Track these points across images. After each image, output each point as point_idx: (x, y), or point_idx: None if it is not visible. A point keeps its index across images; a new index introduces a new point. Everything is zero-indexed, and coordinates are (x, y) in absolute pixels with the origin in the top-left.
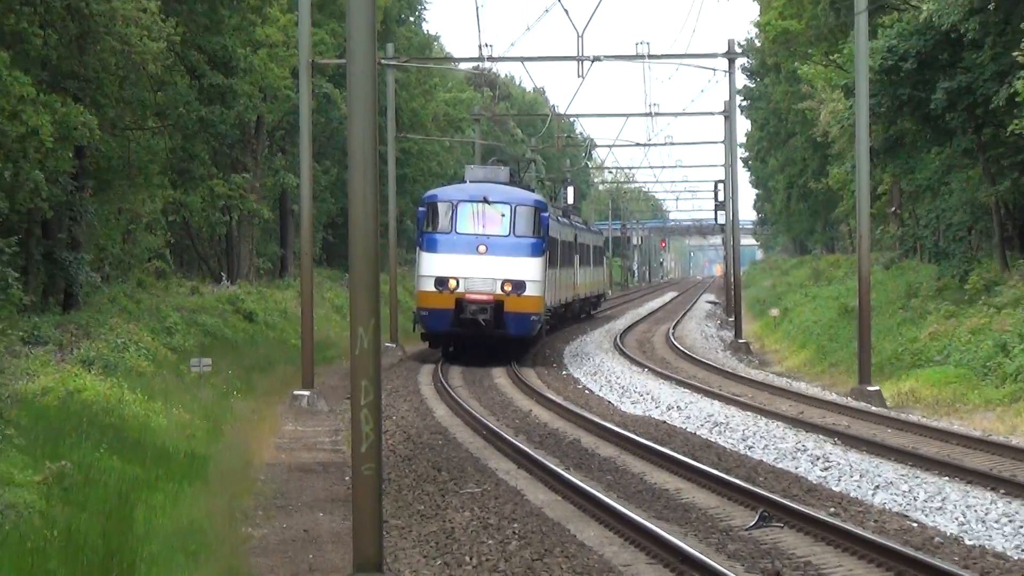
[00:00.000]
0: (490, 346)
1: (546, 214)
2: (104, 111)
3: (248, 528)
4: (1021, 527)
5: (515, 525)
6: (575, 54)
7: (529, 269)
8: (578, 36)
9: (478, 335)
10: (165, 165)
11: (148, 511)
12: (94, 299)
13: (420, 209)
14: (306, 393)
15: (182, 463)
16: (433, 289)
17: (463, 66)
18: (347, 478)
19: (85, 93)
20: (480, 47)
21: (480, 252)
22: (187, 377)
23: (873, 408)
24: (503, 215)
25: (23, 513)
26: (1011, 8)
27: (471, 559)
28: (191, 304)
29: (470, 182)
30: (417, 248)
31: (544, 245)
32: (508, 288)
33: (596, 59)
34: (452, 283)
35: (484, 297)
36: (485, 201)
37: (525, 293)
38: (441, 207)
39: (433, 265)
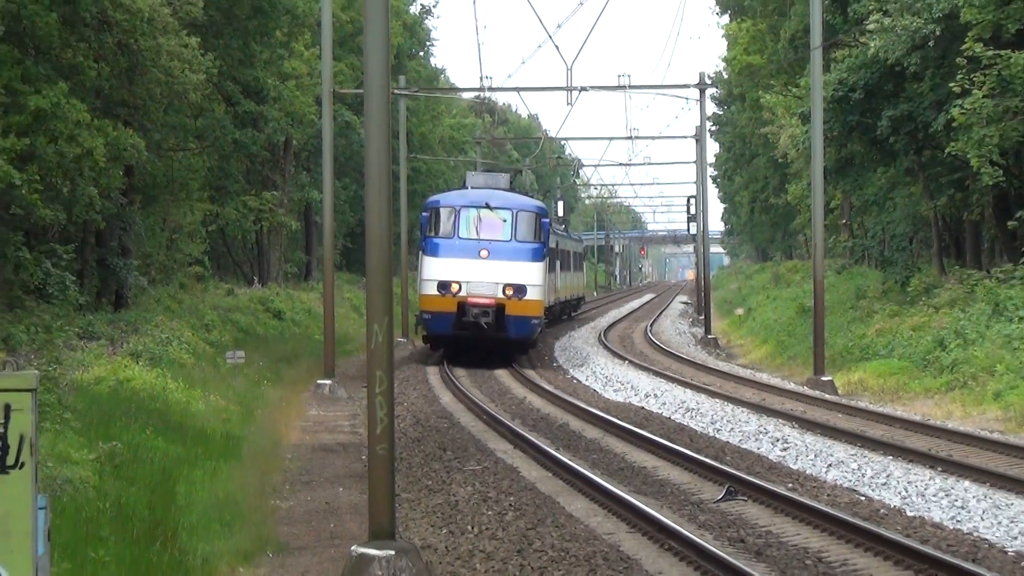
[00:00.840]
0: (491, 348)
1: (547, 220)
2: (150, 134)
3: (276, 501)
4: (956, 500)
5: (511, 498)
6: (565, 85)
7: (530, 273)
8: (567, 69)
9: (480, 338)
10: (204, 182)
11: (188, 486)
12: (141, 300)
13: (423, 214)
14: (328, 382)
15: (218, 443)
16: (436, 293)
17: (466, 95)
18: (363, 457)
19: (134, 118)
20: (481, 79)
21: (482, 256)
22: (223, 368)
23: (826, 396)
24: (504, 220)
25: (79, 487)
26: (947, 45)
27: (472, 528)
28: (227, 304)
29: (471, 188)
30: (420, 252)
31: (545, 250)
32: (509, 292)
33: (583, 89)
34: (454, 287)
35: (486, 301)
36: (487, 207)
37: (526, 297)
38: (444, 212)
39: (436, 269)
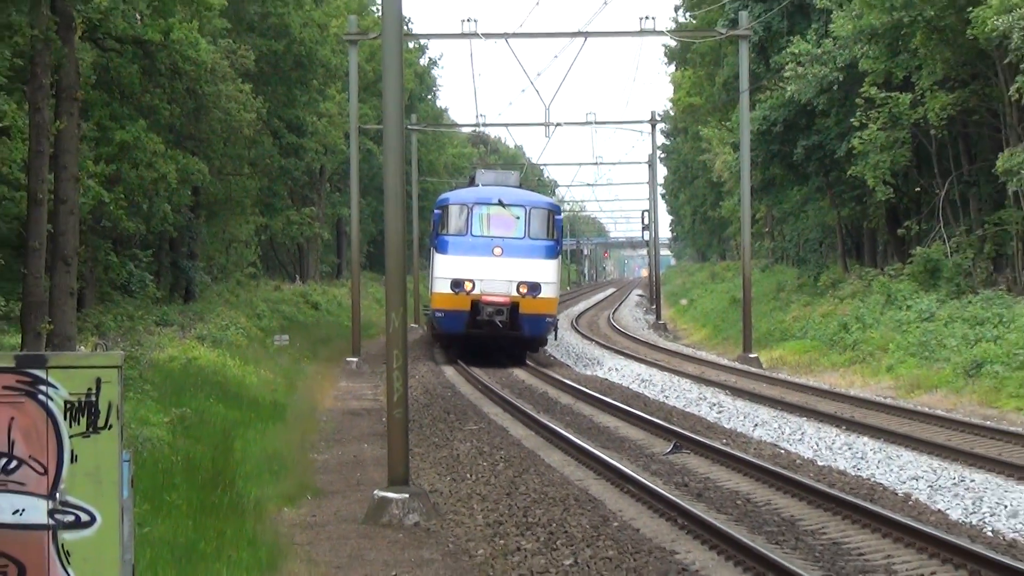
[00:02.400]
0: (503, 347)
1: (560, 217)
2: (212, 162)
3: (314, 455)
4: (857, 453)
5: (502, 452)
6: (543, 121)
7: (545, 271)
8: (546, 108)
9: (493, 336)
10: (255, 200)
11: (243, 443)
12: (205, 294)
13: (435, 212)
14: (355, 359)
15: (267, 409)
16: (449, 291)
17: (465, 130)
18: (383, 419)
19: (199, 149)
20: (476, 116)
21: (495, 254)
22: (271, 348)
23: (753, 369)
24: (518, 217)
25: (156, 444)
26: (849, 88)
27: (471, 476)
28: (274, 297)
29: (482, 185)
30: (431, 250)
31: (558, 247)
32: (524, 290)
33: (558, 124)
34: (468, 285)
35: (500, 299)
36: (500, 204)
37: (541, 295)
38: (456, 210)
39: (449, 267)
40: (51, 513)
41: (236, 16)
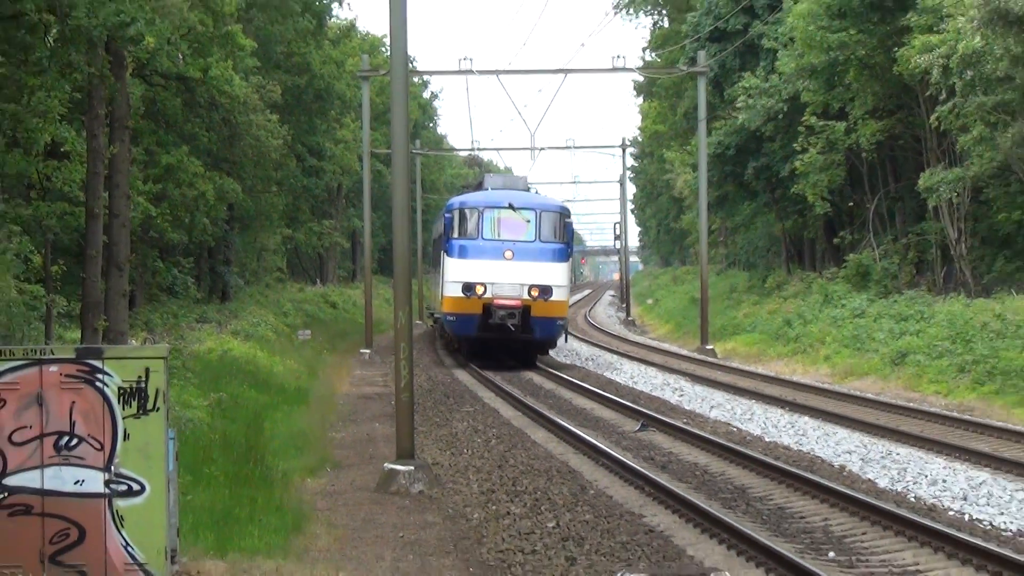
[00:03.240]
0: (514, 350)
1: (570, 220)
2: (244, 181)
3: (332, 433)
4: (799, 430)
5: (493, 430)
6: (529, 146)
7: (556, 274)
8: (531, 134)
9: (505, 340)
10: (282, 214)
11: (272, 423)
12: (239, 295)
13: (446, 215)
14: (367, 351)
15: (292, 394)
16: (460, 294)
17: (461, 153)
18: (392, 402)
19: (233, 170)
20: (472, 141)
21: (507, 258)
22: (295, 342)
23: (709, 359)
24: (528, 221)
25: (197, 424)
26: (792, 117)
27: (467, 450)
28: (298, 297)
29: (491, 189)
30: (441, 254)
31: (569, 250)
32: (535, 293)
33: (542, 149)
34: (479, 288)
35: (513, 302)
36: (511, 207)
37: (552, 298)
38: (466, 213)
39: (460, 271)
40: (107, 483)
41: (264, 55)
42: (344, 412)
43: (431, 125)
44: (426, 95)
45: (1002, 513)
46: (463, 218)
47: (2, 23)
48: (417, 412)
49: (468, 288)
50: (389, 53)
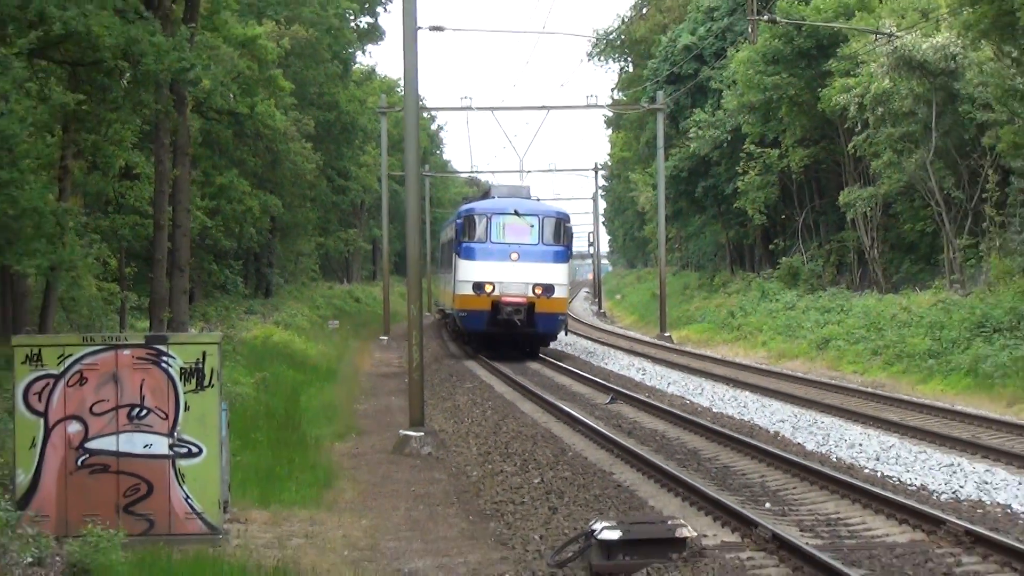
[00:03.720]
0: (519, 343)
1: (570, 225)
2: (284, 198)
3: (356, 405)
4: (741, 402)
5: (489, 403)
6: (518, 169)
7: (557, 274)
8: (520, 159)
9: (511, 333)
10: (315, 225)
11: (307, 396)
12: (280, 292)
13: (458, 221)
14: (385, 338)
15: (323, 372)
16: (471, 293)
17: (463, 175)
18: (406, 380)
19: (275, 189)
20: (471, 165)
21: (513, 259)
22: (326, 330)
23: (667, 344)
24: (532, 226)
25: (245, 398)
26: (735, 145)
27: (467, 420)
28: (328, 294)
29: (497, 197)
30: (454, 256)
31: (568, 252)
32: (539, 291)
33: (528, 171)
34: (488, 287)
35: (519, 300)
36: (516, 214)
37: (554, 295)
38: (476, 219)
39: (471, 271)
40: (171, 447)
41: (301, 95)
42: (366, 388)
43: (438, 152)
44: (433, 127)
45: (908, 471)
46: (473, 223)
47: (84, 68)
48: (426, 388)
49: (478, 287)
50: (403, 93)
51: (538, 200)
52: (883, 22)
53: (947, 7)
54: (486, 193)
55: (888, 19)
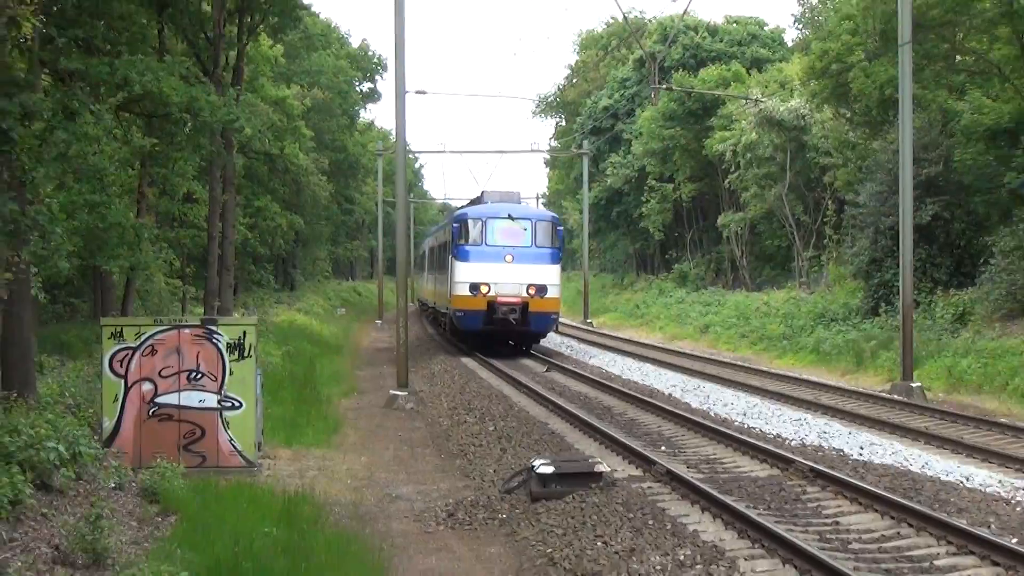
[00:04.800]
0: (513, 341)
1: (561, 228)
2: (305, 217)
3: (357, 371)
4: (643, 372)
5: (456, 371)
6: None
7: (550, 275)
8: (482, 191)
9: (507, 332)
10: (328, 237)
11: (320, 365)
12: (301, 287)
13: (454, 225)
14: (379, 321)
15: (333, 347)
16: (468, 293)
17: (438, 201)
18: (395, 353)
19: (298, 210)
20: (444, 194)
21: (507, 261)
22: (335, 315)
23: (590, 328)
24: (525, 229)
25: (274, 365)
26: (640, 180)
27: (440, 383)
28: (337, 288)
29: (490, 203)
30: (450, 259)
31: (560, 254)
32: (532, 291)
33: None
34: (484, 288)
35: (513, 300)
36: (510, 217)
37: (548, 295)
38: (473, 223)
39: (468, 273)
40: (219, 402)
41: (318, 140)
42: (365, 359)
43: (419, 183)
44: (416, 165)
45: (767, 424)
46: (469, 227)
47: (157, 119)
48: (410, 359)
49: (474, 288)
50: (395, 140)
51: (527, 205)
52: (751, 90)
53: (799, 80)
54: (478, 199)
55: (755, 88)
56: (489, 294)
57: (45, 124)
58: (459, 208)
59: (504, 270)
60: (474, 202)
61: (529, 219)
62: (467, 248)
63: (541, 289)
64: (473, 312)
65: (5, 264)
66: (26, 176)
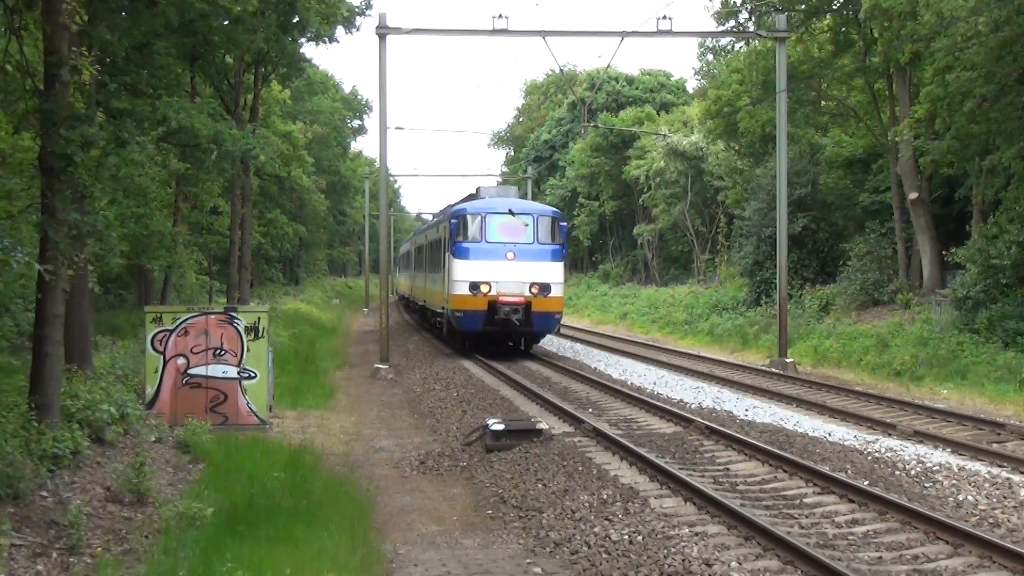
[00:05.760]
0: (515, 341)
1: (564, 224)
2: (307, 227)
3: (348, 349)
4: (575, 351)
5: (427, 349)
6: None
7: (553, 273)
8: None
9: (508, 333)
10: (326, 243)
11: (320, 343)
12: (304, 283)
13: (452, 221)
14: (366, 309)
15: (329, 329)
16: (467, 293)
17: (412, 214)
18: (378, 334)
19: (302, 221)
20: (417, 209)
21: (508, 258)
22: (331, 305)
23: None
24: (527, 224)
25: (283, 344)
26: (574, 199)
27: (415, 358)
28: (332, 283)
29: (488, 198)
30: (447, 256)
31: (564, 251)
32: (535, 290)
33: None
34: (484, 287)
35: (515, 299)
36: (511, 213)
37: (551, 294)
38: (471, 219)
39: (467, 271)
40: (238, 373)
41: (318, 165)
42: (354, 339)
43: (398, 200)
44: (396, 186)
45: (672, 391)
46: (468, 223)
47: (190, 148)
48: (390, 339)
49: (474, 287)
50: (378, 166)
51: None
52: (660, 128)
53: (698, 119)
54: (474, 195)
55: (664, 126)
56: (490, 293)
57: (100, 151)
58: (455, 204)
59: (505, 268)
60: (469, 198)
61: (531, 214)
62: (466, 245)
63: (544, 288)
64: (473, 312)
65: (69, 262)
66: (86, 192)
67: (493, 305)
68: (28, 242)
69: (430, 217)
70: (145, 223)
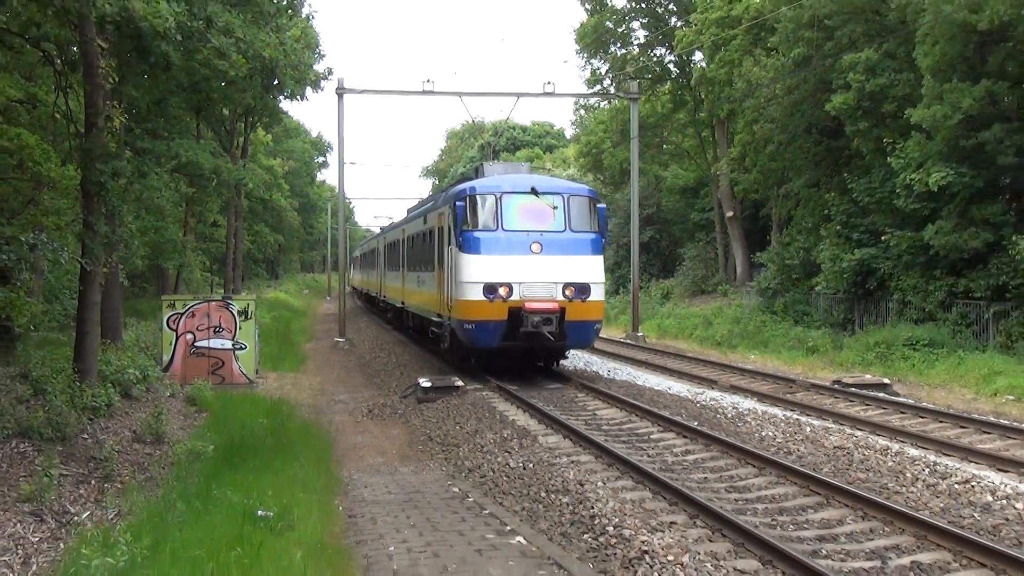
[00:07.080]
0: (543, 361)
1: (602, 205)
2: (285, 236)
3: (315, 326)
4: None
5: (375, 327)
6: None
7: (592, 269)
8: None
9: (535, 349)
10: (298, 248)
11: (294, 323)
12: (283, 277)
13: (458, 203)
14: (328, 298)
15: (301, 312)
16: (481, 298)
17: (363, 227)
18: (337, 316)
19: (280, 232)
20: (366, 223)
21: (534, 252)
22: (302, 294)
23: None
24: (555, 207)
25: (266, 324)
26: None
27: (365, 334)
28: (303, 278)
29: (497, 176)
30: (450, 250)
31: (603, 241)
32: (570, 293)
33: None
34: (504, 290)
35: (548, 305)
36: (534, 192)
37: (590, 298)
38: (482, 200)
39: (480, 269)
40: (233, 345)
41: (292, 190)
42: (320, 319)
43: (353, 217)
44: (352, 206)
45: (646, 381)
46: (478, 206)
47: (196, 177)
48: (346, 320)
49: (491, 290)
50: (337, 192)
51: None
52: (547, 164)
53: (574, 158)
54: (477, 171)
55: (548, 163)
56: (511, 298)
57: (127, 180)
58: (456, 185)
59: (531, 264)
60: (470, 178)
61: (560, 194)
62: (477, 235)
63: (582, 289)
64: (488, 323)
65: (104, 262)
66: (116, 211)
67: (516, 313)
68: (72, 248)
69: (377, 230)
70: (162, 233)
